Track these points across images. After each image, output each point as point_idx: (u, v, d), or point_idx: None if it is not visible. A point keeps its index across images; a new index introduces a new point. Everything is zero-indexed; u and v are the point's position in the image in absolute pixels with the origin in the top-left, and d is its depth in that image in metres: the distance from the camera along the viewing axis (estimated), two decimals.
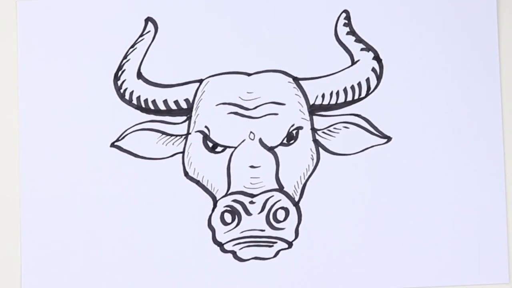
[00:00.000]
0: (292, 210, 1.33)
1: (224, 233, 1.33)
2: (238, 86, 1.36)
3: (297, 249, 1.34)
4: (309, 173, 1.35)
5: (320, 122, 1.36)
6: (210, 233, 1.34)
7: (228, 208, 1.32)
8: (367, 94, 1.36)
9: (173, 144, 1.35)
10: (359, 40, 1.37)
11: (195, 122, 1.35)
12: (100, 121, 1.36)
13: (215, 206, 1.34)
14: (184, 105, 1.36)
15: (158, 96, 1.35)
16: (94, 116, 1.36)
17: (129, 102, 1.36)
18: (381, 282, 1.34)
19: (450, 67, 1.36)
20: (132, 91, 1.36)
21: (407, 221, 1.34)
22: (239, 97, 1.35)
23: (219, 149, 1.35)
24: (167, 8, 1.38)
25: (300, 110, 1.35)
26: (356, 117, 1.35)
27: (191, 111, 1.36)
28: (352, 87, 1.36)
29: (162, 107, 1.35)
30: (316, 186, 1.35)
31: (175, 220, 1.34)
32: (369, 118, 1.35)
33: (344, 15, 1.37)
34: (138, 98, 1.36)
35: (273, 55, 1.36)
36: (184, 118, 1.36)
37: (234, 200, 1.32)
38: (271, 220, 1.32)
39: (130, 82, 1.36)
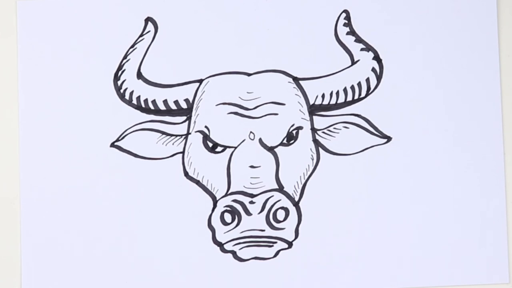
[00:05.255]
0: (292, 210, 1.33)
1: (224, 233, 1.33)
2: (238, 86, 1.36)
3: (297, 249, 1.34)
4: (309, 173, 1.35)
5: (320, 122, 1.36)
6: (210, 233, 1.34)
7: (228, 208, 1.32)
8: (367, 94, 1.36)
9: (173, 144, 1.35)
10: (359, 40, 1.37)
11: (195, 122, 1.35)
12: (100, 121, 1.36)
13: (215, 206, 1.34)
14: (184, 105, 1.36)
15: (158, 96, 1.35)
16: (94, 116, 1.36)
17: (129, 102, 1.36)
18: (381, 282, 1.34)
19: (450, 67, 1.36)
20: (132, 91, 1.36)
21: (407, 221, 1.34)
22: (239, 97, 1.35)
23: (219, 149, 1.35)
24: (167, 8, 1.38)
25: (300, 110, 1.35)
26: (356, 117, 1.35)
27: (191, 111, 1.36)
28: (352, 87, 1.36)
29: (162, 107, 1.35)
30: (316, 186, 1.35)
31: (175, 220, 1.34)
32: (369, 118, 1.36)
33: (344, 15, 1.37)
34: (138, 98, 1.36)
35: (273, 55, 1.36)
36: (184, 118, 1.36)
37: (234, 200, 1.32)
38: (271, 220, 1.32)
39: (130, 82, 1.36)
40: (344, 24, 1.37)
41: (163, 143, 1.35)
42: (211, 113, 1.35)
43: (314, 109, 1.36)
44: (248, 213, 1.32)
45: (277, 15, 1.37)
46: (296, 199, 1.34)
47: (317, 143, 1.35)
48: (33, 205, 1.35)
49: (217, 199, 1.34)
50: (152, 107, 1.35)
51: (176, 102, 1.35)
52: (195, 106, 1.36)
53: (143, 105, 1.36)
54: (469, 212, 1.34)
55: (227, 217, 1.33)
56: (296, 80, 1.36)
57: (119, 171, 1.35)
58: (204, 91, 1.36)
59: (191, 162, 1.35)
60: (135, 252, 1.34)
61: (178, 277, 1.34)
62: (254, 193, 1.32)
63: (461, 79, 1.36)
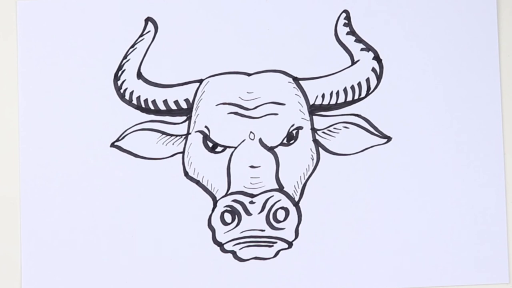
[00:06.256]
0: (292, 210, 1.33)
1: (224, 233, 1.33)
2: (238, 86, 1.36)
3: (297, 249, 1.34)
4: (309, 173, 1.35)
5: (320, 122, 1.36)
6: (210, 233, 1.34)
7: (228, 208, 1.32)
8: (367, 94, 1.36)
9: (173, 144, 1.35)
10: (359, 40, 1.37)
11: (195, 122, 1.35)
12: (100, 121, 1.36)
13: (215, 206, 1.34)
14: (184, 105, 1.36)
15: (158, 96, 1.35)
16: (94, 116, 1.36)
17: (129, 102, 1.36)
18: (381, 282, 1.34)
19: (450, 67, 1.36)
20: (132, 91, 1.36)
21: (407, 221, 1.34)
22: (239, 97, 1.35)
23: (219, 149, 1.35)
24: (167, 8, 1.38)
25: (300, 110, 1.35)
26: (356, 117, 1.35)
27: (191, 111, 1.36)
28: (352, 87, 1.36)
29: (162, 107, 1.35)
30: (316, 186, 1.35)
31: (175, 220, 1.34)
32: (369, 118, 1.36)
33: (344, 15, 1.37)
34: (138, 98, 1.36)
35: (273, 55, 1.36)
36: (184, 118, 1.36)
37: (234, 200, 1.32)
38: (271, 220, 1.32)
39: (130, 82, 1.36)
40: (344, 24, 1.37)
41: (163, 143, 1.35)
42: (211, 113, 1.35)
43: (314, 109, 1.36)
44: (248, 213, 1.32)
45: (277, 15, 1.37)
46: (296, 199, 1.34)
47: (317, 143, 1.35)
48: (33, 205, 1.35)
49: (217, 199, 1.34)
50: (152, 107, 1.35)
51: (176, 102, 1.35)
52: (195, 106, 1.36)
53: (143, 105, 1.36)
54: (469, 212, 1.34)
55: (227, 217, 1.33)
56: (296, 80, 1.36)
57: (119, 171, 1.35)
58: (204, 91, 1.36)
59: (191, 162, 1.35)
60: (135, 252, 1.34)
61: (178, 277, 1.34)
62: (254, 193, 1.32)
63: (461, 79, 1.36)
